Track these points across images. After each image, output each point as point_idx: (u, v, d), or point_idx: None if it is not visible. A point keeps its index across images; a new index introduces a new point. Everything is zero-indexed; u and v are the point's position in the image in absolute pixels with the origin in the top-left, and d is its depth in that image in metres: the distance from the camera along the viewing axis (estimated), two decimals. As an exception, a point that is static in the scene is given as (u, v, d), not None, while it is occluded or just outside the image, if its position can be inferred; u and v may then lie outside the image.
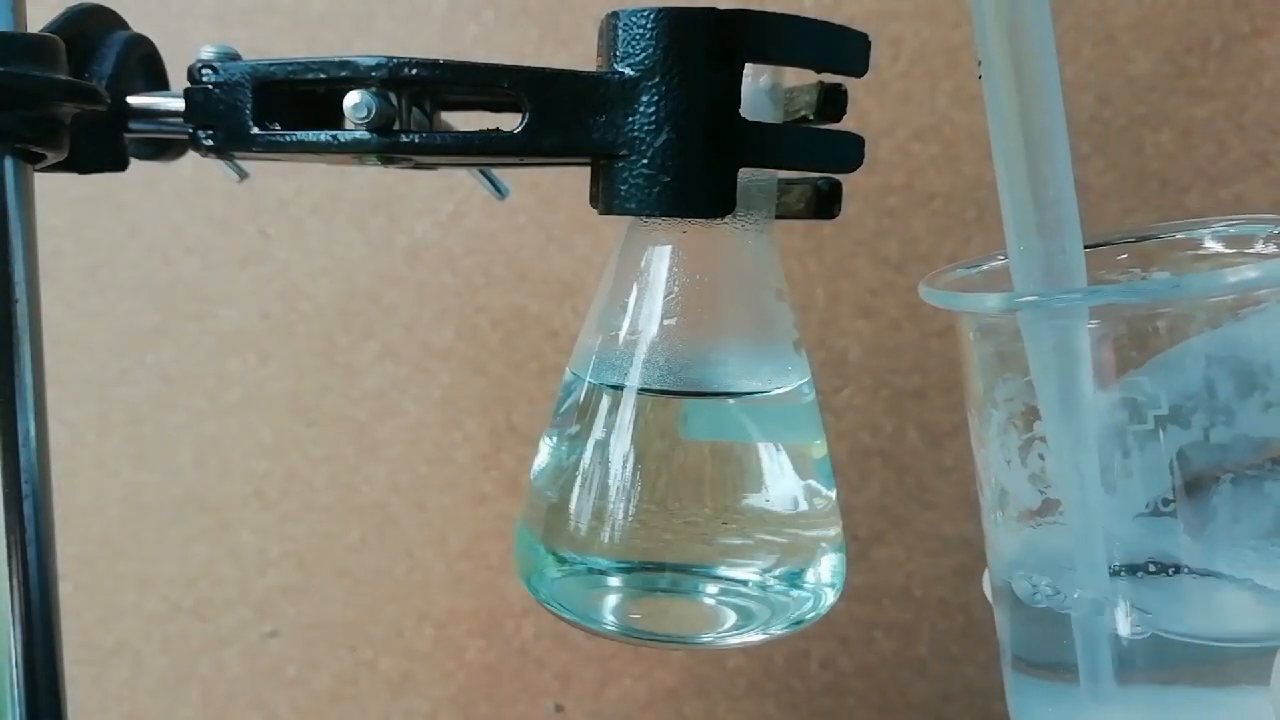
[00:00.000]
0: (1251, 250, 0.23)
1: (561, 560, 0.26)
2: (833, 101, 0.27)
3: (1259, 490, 0.20)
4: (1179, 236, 0.24)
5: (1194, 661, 0.21)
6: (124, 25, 0.29)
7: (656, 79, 0.23)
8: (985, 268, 0.25)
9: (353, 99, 0.23)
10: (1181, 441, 0.20)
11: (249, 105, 0.25)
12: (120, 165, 0.28)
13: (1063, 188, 0.21)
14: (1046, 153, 0.21)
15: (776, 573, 0.26)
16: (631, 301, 0.26)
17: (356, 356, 0.52)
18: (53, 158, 0.26)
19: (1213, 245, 0.24)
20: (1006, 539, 0.23)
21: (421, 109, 0.26)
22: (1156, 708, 0.21)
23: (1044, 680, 0.23)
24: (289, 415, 0.52)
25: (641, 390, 0.26)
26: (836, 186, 0.28)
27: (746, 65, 0.23)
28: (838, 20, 0.24)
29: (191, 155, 0.28)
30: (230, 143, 0.25)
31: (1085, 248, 0.23)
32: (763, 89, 0.25)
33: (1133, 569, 0.21)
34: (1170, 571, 0.20)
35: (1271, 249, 0.23)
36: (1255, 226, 0.23)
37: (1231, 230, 0.23)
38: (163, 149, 0.32)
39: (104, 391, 0.53)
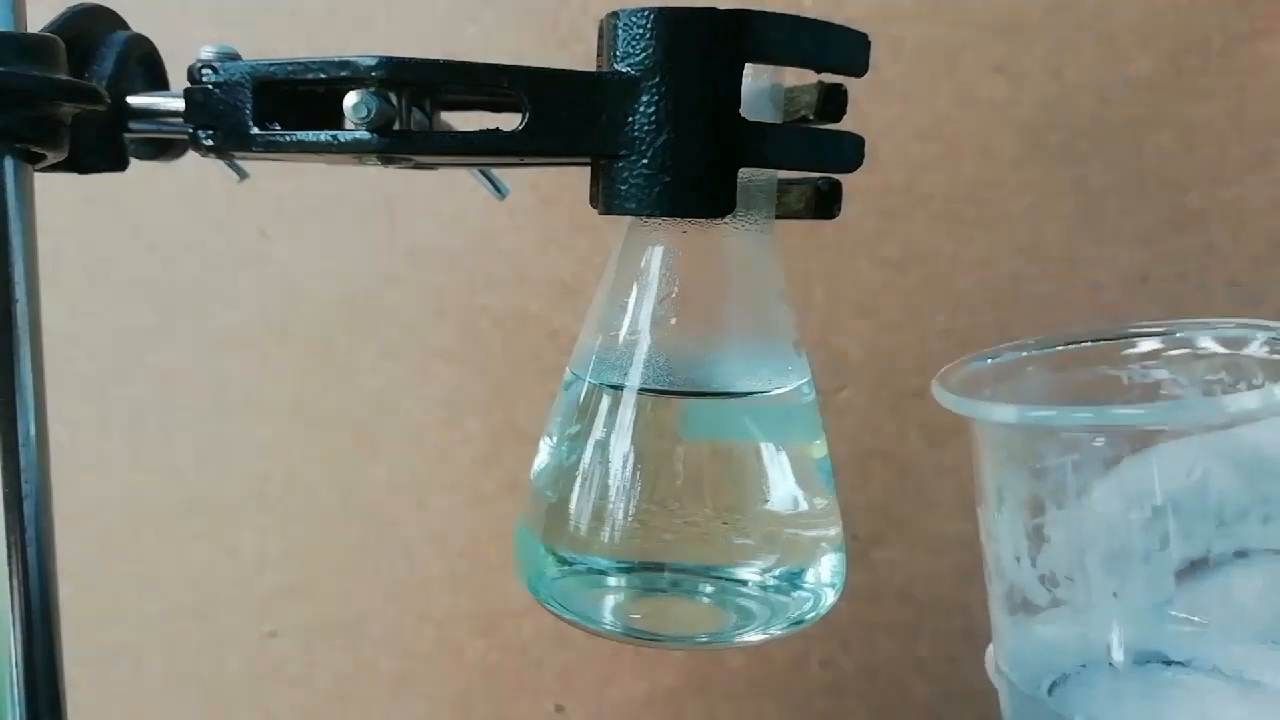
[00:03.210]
0: (1246, 351, 0.24)
1: (561, 560, 0.26)
2: (833, 101, 0.27)
3: (1257, 589, 0.20)
4: (1179, 335, 0.25)
5: None
6: (124, 25, 0.29)
7: (656, 79, 0.23)
8: (998, 361, 0.25)
9: (353, 99, 0.23)
10: (1186, 550, 0.21)
11: (249, 105, 0.25)
12: (120, 165, 0.28)
13: None
14: None
15: (776, 573, 0.26)
16: (631, 301, 0.26)
17: (356, 356, 0.52)
18: (53, 158, 0.26)
19: (1210, 345, 0.24)
20: (1013, 630, 0.24)
21: (421, 109, 0.26)
22: None
23: None
24: (289, 415, 0.52)
25: (641, 390, 0.26)
26: (836, 186, 0.28)
27: (746, 65, 0.23)
28: (838, 20, 0.24)
29: (191, 155, 0.28)
30: (230, 143, 0.25)
31: (1090, 341, 0.24)
32: (763, 89, 0.25)
33: (1138, 664, 0.21)
34: (1174, 667, 0.21)
35: (1264, 352, 0.23)
36: (1251, 331, 0.24)
37: (1229, 332, 0.24)
38: (163, 149, 0.32)
39: (104, 391, 0.53)
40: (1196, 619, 0.21)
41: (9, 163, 0.25)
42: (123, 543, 0.54)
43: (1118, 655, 0.21)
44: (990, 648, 0.26)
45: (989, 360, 0.25)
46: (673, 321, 0.26)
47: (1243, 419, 0.20)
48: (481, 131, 0.24)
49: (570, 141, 0.24)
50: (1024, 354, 0.25)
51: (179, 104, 0.26)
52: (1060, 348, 0.25)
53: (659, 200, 0.23)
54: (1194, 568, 0.21)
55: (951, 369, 0.25)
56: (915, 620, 0.51)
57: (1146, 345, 0.25)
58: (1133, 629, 0.21)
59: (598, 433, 0.26)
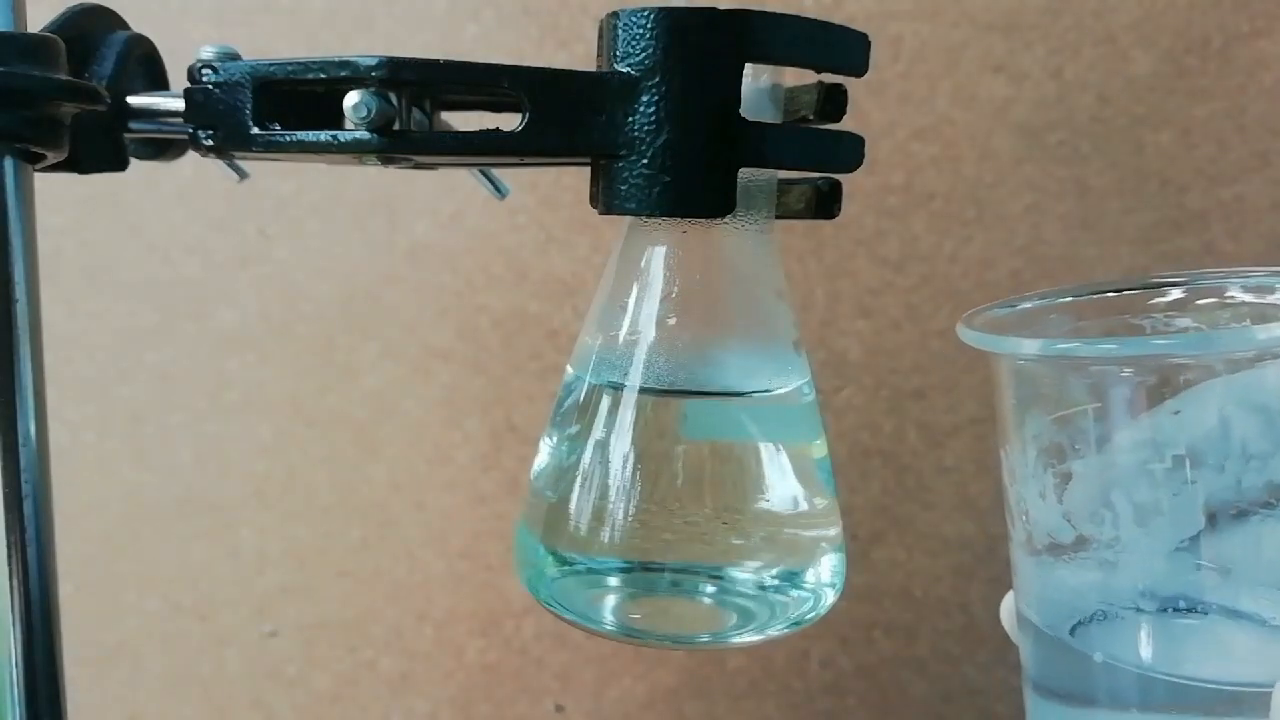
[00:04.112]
0: (1271, 299, 0.24)
1: (561, 560, 0.26)
2: (833, 101, 0.27)
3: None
4: (1204, 284, 0.25)
5: (1210, 700, 0.21)
6: (124, 25, 0.29)
7: (656, 79, 0.23)
8: (1021, 308, 0.25)
9: (353, 99, 0.23)
10: (1214, 483, 0.21)
11: (249, 105, 0.25)
12: (120, 165, 0.28)
13: None
14: None
15: (776, 573, 0.26)
16: (631, 301, 0.26)
17: (356, 356, 0.52)
18: (53, 158, 0.26)
19: (1236, 294, 0.24)
20: (1036, 571, 0.24)
21: (421, 109, 0.26)
22: None
23: (1064, 706, 0.24)
24: (289, 415, 0.52)
25: (641, 390, 0.26)
26: (836, 186, 0.28)
27: (746, 65, 0.23)
28: (838, 20, 0.24)
29: (191, 155, 0.28)
30: (230, 143, 0.25)
31: (1116, 291, 0.24)
32: (763, 89, 0.25)
33: (1162, 605, 0.21)
34: (1198, 610, 0.21)
35: None
36: (1275, 279, 0.24)
37: (1255, 280, 0.24)
38: (163, 149, 0.32)
39: (104, 391, 0.53)
40: (1222, 568, 0.21)
41: (9, 163, 0.25)
42: (123, 543, 0.54)
43: (1142, 596, 0.22)
44: (1007, 599, 0.26)
45: (1012, 307, 0.25)
46: (673, 321, 0.26)
47: (1272, 347, 0.20)
48: (481, 131, 0.24)
49: (570, 141, 0.24)
50: (1047, 301, 0.25)
51: (179, 104, 0.26)
52: (1084, 297, 0.25)
53: (659, 200, 0.23)
54: (1218, 518, 0.21)
55: (974, 314, 0.25)
56: (915, 620, 0.51)
57: (1172, 294, 0.25)
58: (1158, 569, 0.21)
59: (598, 433, 0.26)
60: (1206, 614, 0.21)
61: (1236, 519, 0.21)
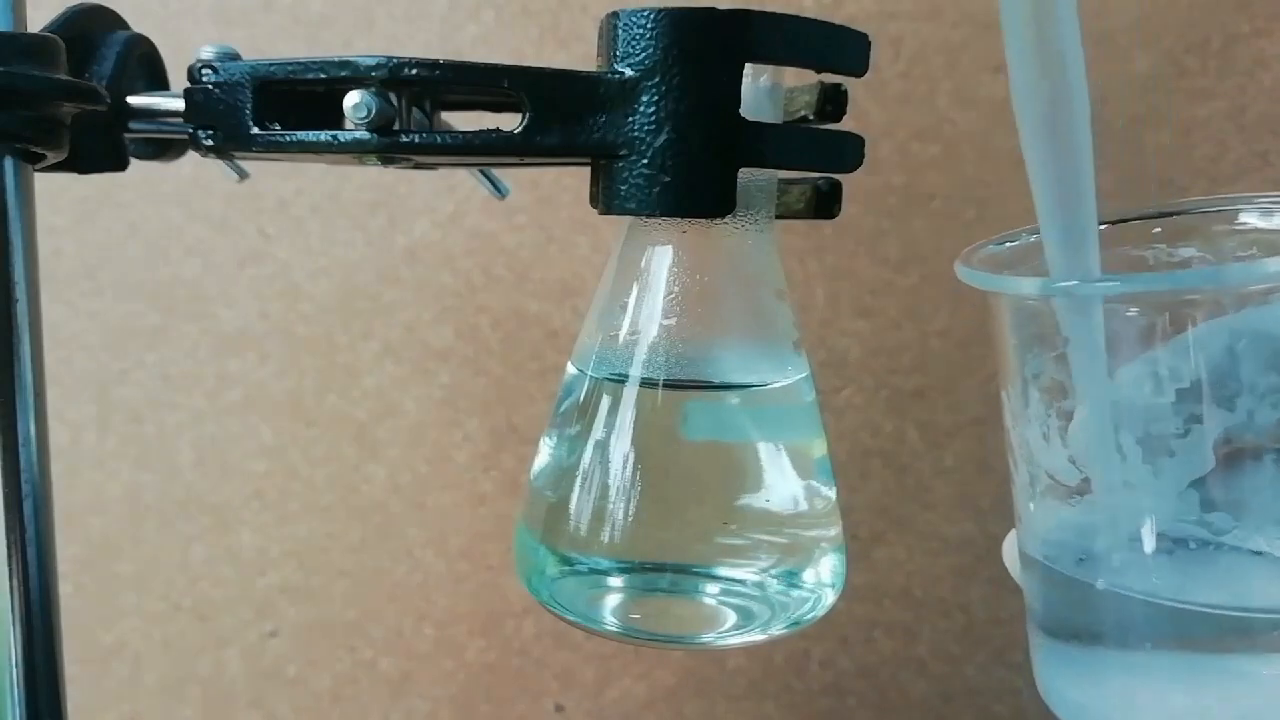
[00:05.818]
0: (1276, 224, 0.23)
1: (561, 560, 0.26)
2: (833, 101, 0.27)
3: None
4: (1210, 211, 0.24)
5: (1221, 631, 0.21)
6: (124, 25, 0.29)
7: (656, 79, 0.23)
8: (1013, 244, 0.25)
9: (353, 99, 0.23)
10: (1225, 421, 0.20)
11: (249, 105, 0.25)
12: (120, 165, 0.28)
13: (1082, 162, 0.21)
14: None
15: (776, 573, 0.26)
16: (631, 301, 0.26)
17: (356, 356, 0.52)
18: (53, 158, 0.26)
19: (1245, 219, 0.24)
20: (1040, 514, 0.23)
21: (421, 109, 0.26)
22: (1181, 673, 0.21)
23: (1071, 646, 0.23)
24: (289, 415, 0.52)
25: (642, 389, 0.26)
26: (836, 186, 0.29)
27: (746, 65, 0.23)
28: (838, 20, 0.24)
29: (191, 155, 0.28)
30: (230, 143, 0.25)
31: (1119, 221, 0.23)
32: (763, 89, 0.25)
33: (1174, 543, 0.21)
34: (1211, 547, 0.21)
35: None
36: None
37: (1259, 205, 0.23)
38: (163, 149, 0.32)
39: (104, 391, 0.53)
40: (1233, 508, 0.20)
41: (9, 163, 0.25)
42: (123, 543, 0.54)
43: (1148, 534, 0.21)
44: (1009, 537, 0.25)
45: (1007, 243, 0.25)
46: (672, 321, 0.26)
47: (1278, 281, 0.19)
48: (481, 131, 0.24)
49: (570, 141, 0.24)
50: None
51: (179, 104, 0.26)
52: None
53: (659, 200, 0.23)
54: (1229, 458, 0.20)
55: (970, 252, 0.24)
56: (915, 620, 0.51)
57: (1177, 223, 0.24)
58: (1166, 508, 0.21)
59: (597, 432, 0.26)
60: (1218, 551, 0.20)
61: (1249, 457, 0.20)
